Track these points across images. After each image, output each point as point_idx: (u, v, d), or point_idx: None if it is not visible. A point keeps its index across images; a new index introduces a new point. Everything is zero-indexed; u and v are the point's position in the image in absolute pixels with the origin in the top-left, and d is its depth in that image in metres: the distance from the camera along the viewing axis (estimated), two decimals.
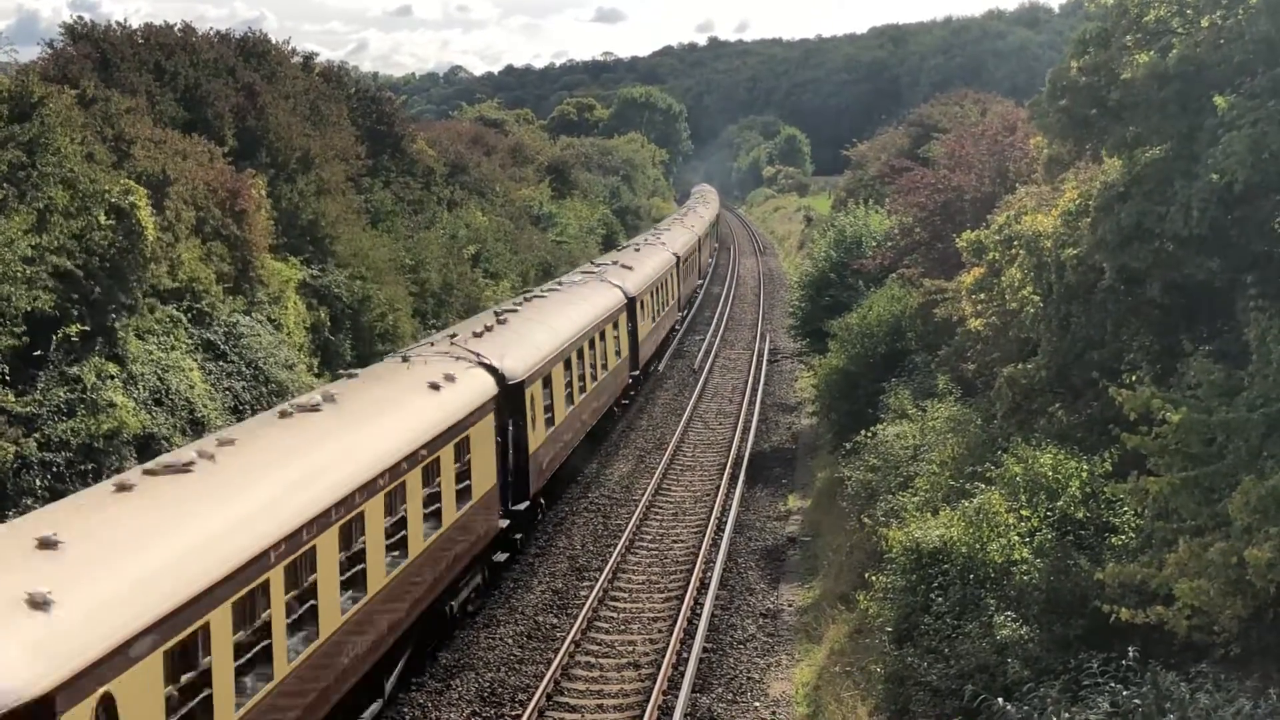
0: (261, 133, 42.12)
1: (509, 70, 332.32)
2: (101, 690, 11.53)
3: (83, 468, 25.09)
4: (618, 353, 41.66)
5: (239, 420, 30.23)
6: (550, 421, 30.80)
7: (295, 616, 16.39)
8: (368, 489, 18.97)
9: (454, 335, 29.27)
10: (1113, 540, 17.32)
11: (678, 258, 62.48)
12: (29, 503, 23.41)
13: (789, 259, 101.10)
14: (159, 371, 28.97)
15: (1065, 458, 19.29)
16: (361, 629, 18.56)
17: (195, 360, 30.90)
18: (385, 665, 20.18)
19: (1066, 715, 13.84)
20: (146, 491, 14.99)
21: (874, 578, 21.03)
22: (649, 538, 31.32)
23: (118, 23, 42.13)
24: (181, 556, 13.67)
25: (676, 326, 63.03)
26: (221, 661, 13.76)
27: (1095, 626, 15.99)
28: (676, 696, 21.67)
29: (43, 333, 25.70)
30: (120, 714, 11.75)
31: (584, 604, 26.18)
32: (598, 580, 27.53)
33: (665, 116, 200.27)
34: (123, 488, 14.99)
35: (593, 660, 23.86)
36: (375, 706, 19.95)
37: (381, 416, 21.53)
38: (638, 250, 59.68)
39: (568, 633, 24.68)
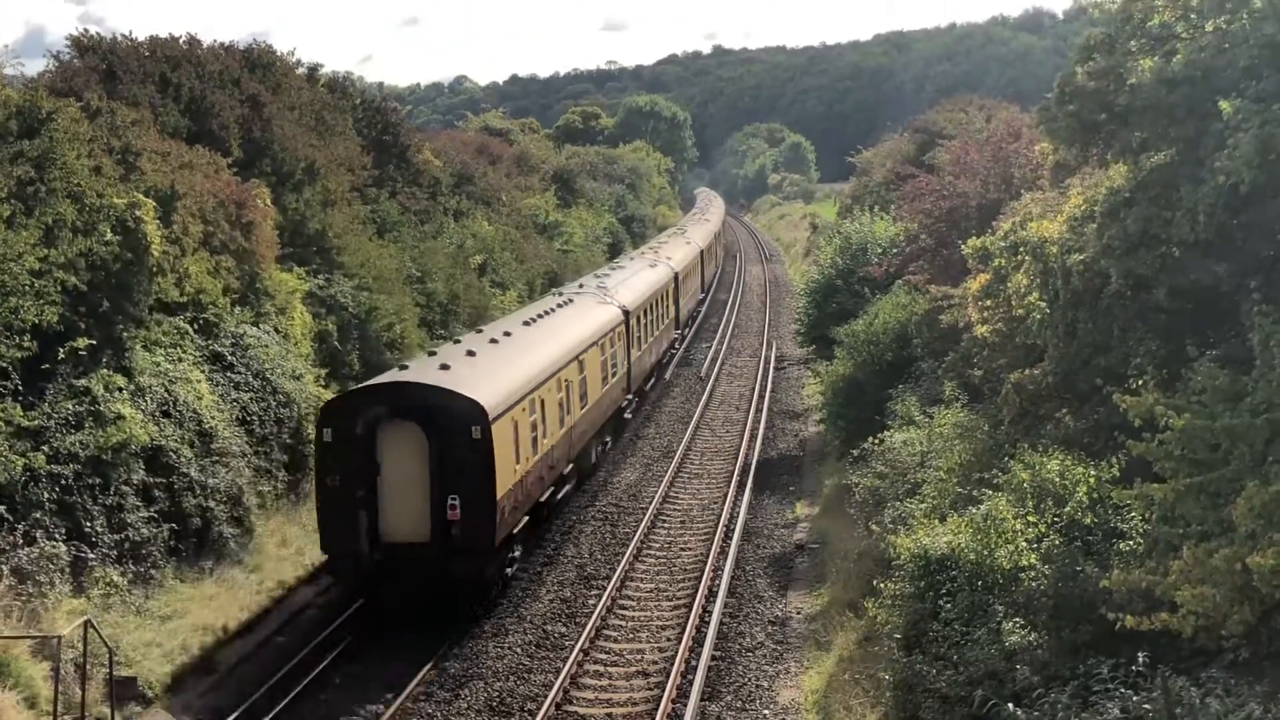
0: (266, 143, 42.11)
1: (514, 80, 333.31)
2: None
3: (91, 480, 25.08)
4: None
5: (248, 431, 30.50)
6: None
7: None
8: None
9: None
10: (1120, 546, 17.30)
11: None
12: (38, 516, 23.43)
13: (795, 266, 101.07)
14: (166, 383, 28.95)
15: (1072, 464, 19.26)
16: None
17: (203, 371, 30.88)
18: None
19: None
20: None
21: (882, 585, 21.02)
22: (657, 545, 31.33)
23: (123, 35, 42.22)
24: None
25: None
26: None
27: (1104, 632, 15.96)
28: (685, 705, 21.68)
29: (50, 346, 25.67)
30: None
31: (592, 612, 26.18)
32: (606, 588, 27.53)
33: (670, 125, 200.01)
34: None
35: (601, 669, 23.87)
36: None
37: None
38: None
39: (576, 641, 24.69)
